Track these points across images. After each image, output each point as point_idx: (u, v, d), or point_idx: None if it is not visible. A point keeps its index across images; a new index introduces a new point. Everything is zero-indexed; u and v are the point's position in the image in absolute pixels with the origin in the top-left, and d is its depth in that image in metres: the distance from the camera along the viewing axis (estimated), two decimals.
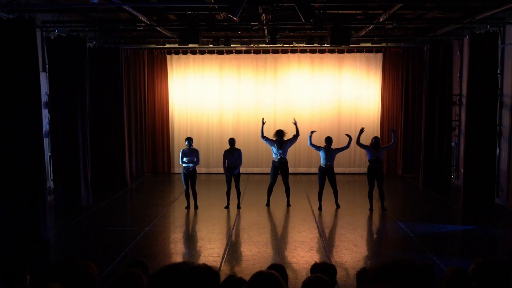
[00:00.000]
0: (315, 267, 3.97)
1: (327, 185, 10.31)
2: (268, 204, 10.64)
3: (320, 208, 10.28)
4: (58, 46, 10.23)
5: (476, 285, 3.38)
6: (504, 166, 10.62)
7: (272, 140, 10.72)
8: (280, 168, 10.66)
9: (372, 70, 14.84)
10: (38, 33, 10.26)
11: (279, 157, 10.67)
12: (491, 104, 10.10)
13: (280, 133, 10.71)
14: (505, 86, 10.65)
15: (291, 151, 14.99)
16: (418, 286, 2.18)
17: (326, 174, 10.30)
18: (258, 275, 2.26)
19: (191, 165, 10.24)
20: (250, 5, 7.85)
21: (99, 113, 12.64)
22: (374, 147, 10.06)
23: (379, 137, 11.08)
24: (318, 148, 10.52)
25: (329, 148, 10.39)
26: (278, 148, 10.66)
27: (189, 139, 10.54)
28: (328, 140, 10.51)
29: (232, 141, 10.65)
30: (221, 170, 14.84)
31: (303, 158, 15.11)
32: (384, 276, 2.12)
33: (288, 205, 10.61)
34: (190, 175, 10.34)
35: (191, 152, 10.34)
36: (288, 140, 10.79)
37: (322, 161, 10.39)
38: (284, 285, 2.29)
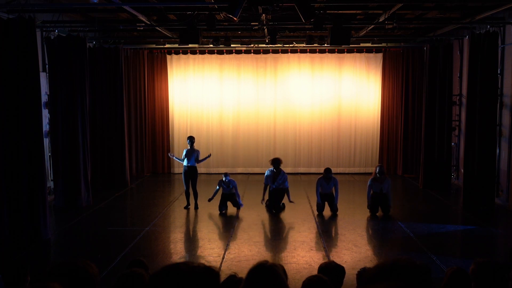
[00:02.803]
0: (323, 267, 3.94)
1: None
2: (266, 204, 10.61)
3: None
4: (58, 46, 10.23)
5: (476, 285, 3.39)
6: (504, 166, 10.62)
7: (268, 175, 10.28)
8: (277, 193, 10.34)
9: (372, 70, 14.85)
10: (38, 33, 10.26)
11: (274, 187, 10.28)
12: (491, 104, 10.10)
13: (276, 162, 10.27)
14: (505, 86, 10.66)
15: (291, 150, 15.05)
16: (418, 286, 2.18)
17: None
18: (258, 267, 2.25)
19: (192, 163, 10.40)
20: (250, 5, 7.83)
21: (99, 113, 12.64)
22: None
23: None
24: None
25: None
26: (272, 182, 10.25)
27: (191, 138, 10.58)
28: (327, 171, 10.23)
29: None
30: (221, 170, 14.92)
31: (303, 158, 15.12)
32: (384, 276, 2.12)
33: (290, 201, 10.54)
34: (191, 175, 10.36)
35: (192, 152, 10.38)
36: (283, 175, 10.30)
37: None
38: (283, 276, 2.28)
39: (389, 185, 9.99)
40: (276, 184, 10.22)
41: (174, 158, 10.92)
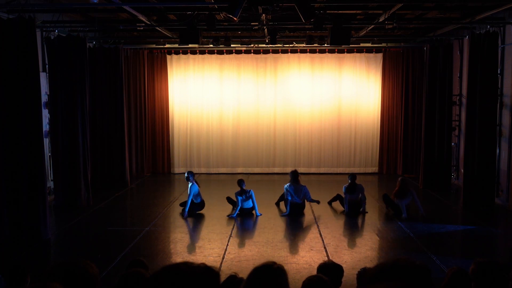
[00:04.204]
0: (321, 266, 3.97)
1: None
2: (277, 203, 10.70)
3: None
4: (58, 46, 10.23)
5: (476, 285, 3.39)
6: (504, 166, 10.62)
7: (288, 186, 10.07)
8: (295, 207, 10.05)
9: (372, 70, 14.84)
10: (38, 33, 10.26)
11: (293, 200, 10.02)
12: (491, 104, 10.10)
13: (294, 174, 10.09)
14: (505, 86, 10.66)
15: (290, 150, 15.05)
16: (418, 286, 2.18)
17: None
18: (260, 268, 2.25)
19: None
20: (250, 5, 7.83)
21: (99, 113, 12.64)
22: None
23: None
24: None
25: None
26: (294, 193, 10.00)
27: (190, 174, 10.08)
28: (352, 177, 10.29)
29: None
30: (221, 170, 14.96)
31: (303, 158, 15.12)
32: (384, 276, 2.12)
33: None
34: (199, 208, 10.14)
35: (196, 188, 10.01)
36: (305, 189, 10.08)
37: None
38: (285, 277, 2.28)
39: (410, 200, 9.89)
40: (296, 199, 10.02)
41: (186, 214, 9.82)
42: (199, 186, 10.03)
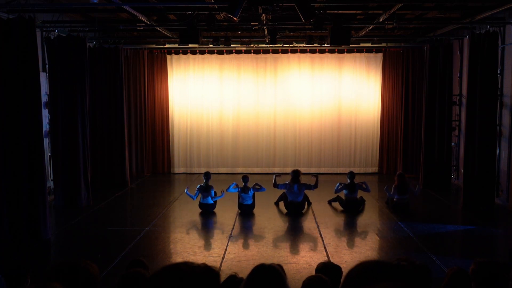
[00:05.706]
0: (320, 267, 3.98)
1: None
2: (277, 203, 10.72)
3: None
4: (58, 46, 10.23)
5: (476, 285, 3.39)
6: (504, 166, 10.63)
7: (287, 184, 10.18)
8: (294, 206, 10.14)
9: (372, 70, 14.84)
10: (38, 33, 10.26)
11: (293, 199, 10.11)
12: (491, 104, 10.10)
13: (296, 173, 10.21)
14: (505, 86, 10.66)
15: (290, 150, 15.06)
16: (418, 286, 2.18)
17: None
18: (260, 267, 2.25)
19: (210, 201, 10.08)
20: (250, 5, 7.83)
21: (99, 113, 12.64)
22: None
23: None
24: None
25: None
26: (292, 192, 10.09)
27: (207, 174, 10.28)
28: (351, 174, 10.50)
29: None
30: (221, 170, 14.97)
31: (303, 158, 15.12)
32: (383, 276, 2.12)
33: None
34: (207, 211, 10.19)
35: (207, 189, 10.09)
36: (304, 184, 10.18)
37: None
38: (285, 277, 2.29)
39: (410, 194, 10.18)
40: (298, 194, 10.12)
41: (187, 193, 10.30)
42: (208, 189, 10.17)
